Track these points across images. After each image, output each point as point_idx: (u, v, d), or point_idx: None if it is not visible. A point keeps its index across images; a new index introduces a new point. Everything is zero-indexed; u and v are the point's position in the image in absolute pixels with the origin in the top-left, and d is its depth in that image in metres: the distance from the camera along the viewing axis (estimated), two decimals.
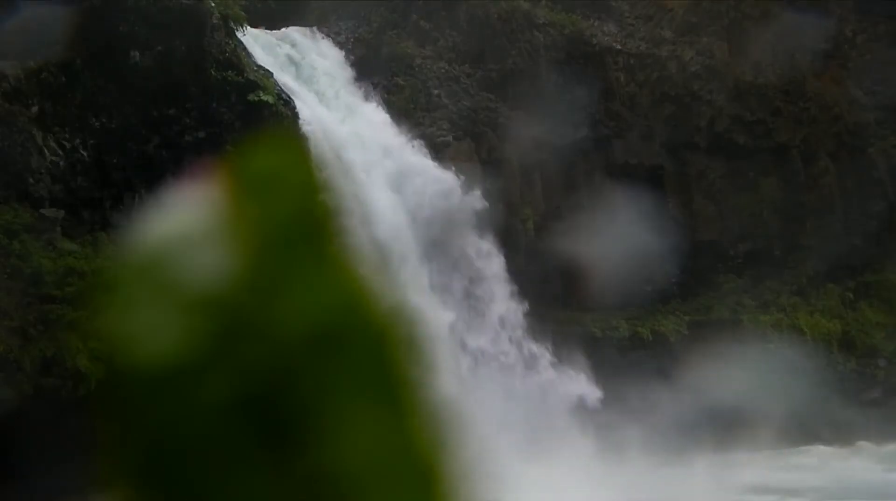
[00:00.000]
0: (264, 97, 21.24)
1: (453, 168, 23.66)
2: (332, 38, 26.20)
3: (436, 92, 25.77)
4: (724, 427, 22.43)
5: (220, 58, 21.31)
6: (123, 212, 19.41)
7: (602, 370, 23.31)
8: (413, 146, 23.84)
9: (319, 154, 20.18)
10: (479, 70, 26.34)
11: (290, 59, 24.62)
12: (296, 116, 21.79)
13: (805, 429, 24.19)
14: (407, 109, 24.87)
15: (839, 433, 24.76)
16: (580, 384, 23.35)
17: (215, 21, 21.41)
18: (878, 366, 26.38)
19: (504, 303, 23.47)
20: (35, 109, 19.31)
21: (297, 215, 0.55)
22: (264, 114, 20.97)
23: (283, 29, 25.77)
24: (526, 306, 23.59)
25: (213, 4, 21.44)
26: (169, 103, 20.64)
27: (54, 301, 17.26)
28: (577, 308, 25.12)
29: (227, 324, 0.52)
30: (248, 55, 22.38)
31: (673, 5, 28.22)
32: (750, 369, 22.99)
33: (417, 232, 22.49)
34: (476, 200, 23.29)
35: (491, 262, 23.49)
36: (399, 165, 23.15)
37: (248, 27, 22.63)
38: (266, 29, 25.07)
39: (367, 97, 24.76)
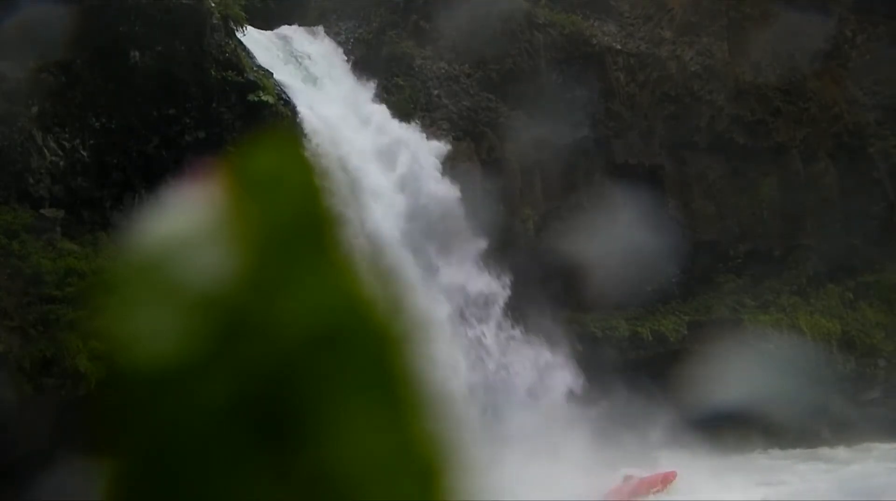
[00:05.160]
0: (264, 97, 21.25)
1: (452, 176, 23.74)
2: (332, 38, 26.23)
3: (436, 92, 25.77)
4: (724, 427, 22.43)
5: (220, 58, 21.31)
6: (123, 212, 19.41)
7: (602, 370, 23.30)
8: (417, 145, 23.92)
9: (319, 153, 20.18)
10: (479, 70, 26.34)
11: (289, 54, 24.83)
12: (296, 116, 21.80)
13: (805, 429, 24.19)
14: (407, 109, 24.87)
15: (839, 433, 24.77)
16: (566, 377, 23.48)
17: (215, 21, 21.42)
18: (878, 366, 26.38)
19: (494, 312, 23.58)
20: (35, 109, 19.31)
21: (297, 215, 0.55)
22: (264, 114, 20.97)
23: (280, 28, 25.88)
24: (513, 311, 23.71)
25: (213, 4, 21.44)
26: (169, 103, 20.64)
27: (54, 301, 17.26)
28: (577, 308, 25.12)
29: (227, 324, 0.52)
30: (249, 55, 22.40)
31: (673, 5, 28.22)
32: (750, 369, 22.99)
33: (416, 232, 22.49)
34: (466, 229, 23.42)
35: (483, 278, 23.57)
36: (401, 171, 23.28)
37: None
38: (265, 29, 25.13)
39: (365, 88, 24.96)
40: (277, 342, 0.52)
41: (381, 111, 24.10)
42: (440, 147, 24.20)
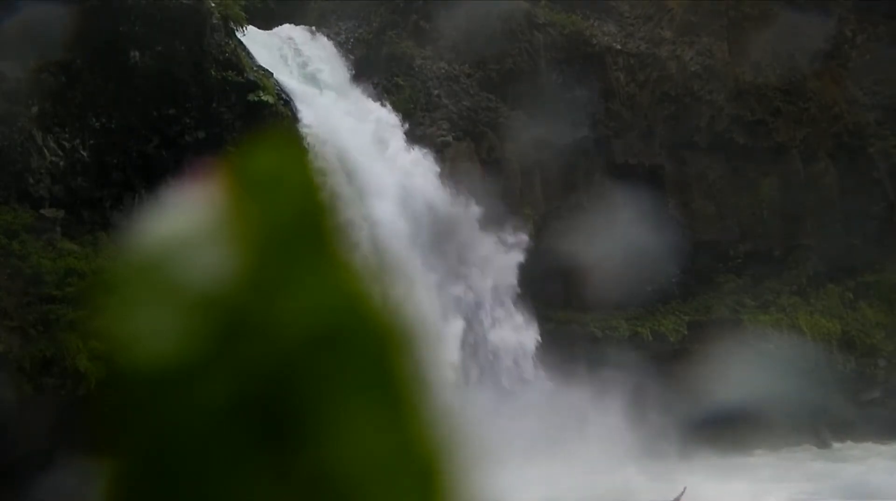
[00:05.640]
0: (264, 97, 21.24)
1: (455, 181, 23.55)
2: (332, 38, 26.22)
3: (436, 92, 25.77)
4: (724, 427, 22.43)
5: (220, 58, 21.31)
6: (123, 212, 19.41)
7: (602, 370, 23.30)
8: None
9: (320, 154, 20.15)
10: (479, 70, 26.34)
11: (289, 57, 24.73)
12: (296, 116, 21.79)
13: (805, 429, 24.20)
14: (407, 109, 24.87)
15: (839, 434, 24.78)
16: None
17: (215, 21, 21.42)
18: (878, 366, 26.38)
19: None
20: (35, 109, 19.31)
21: (297, 216, 0.55)
22: (264, 114, 20.97)
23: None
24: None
25: (213, 4, 21.44)
26: (169, 103, 20.64)
27: (54, 301, 17.26)
28: (577, 308, 25.12)
29: (227, 324, 0.52)
30: (249, 55, 22.38)
31: (673, 5, 28.22)
32: (750, 369, 22.99)
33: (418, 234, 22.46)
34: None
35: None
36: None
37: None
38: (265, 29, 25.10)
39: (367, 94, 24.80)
40: (277, 342, 0.52)
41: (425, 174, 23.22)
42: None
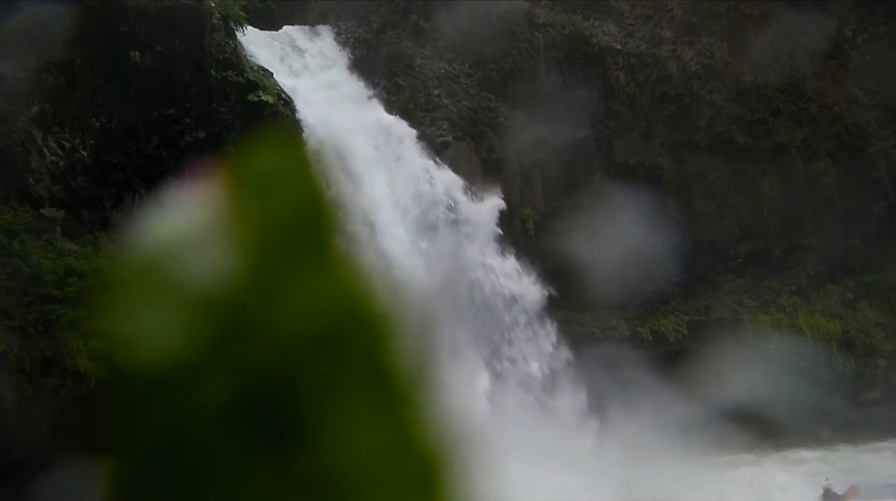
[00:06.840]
0: (264, 97, 21.24)
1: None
2: (332, 38, 26.22)
3: (436, 92, 25.76)
4: (724, 427, 22.41)
5: (220, 58, 21.30)
6: (123, 212, 19.41)
7: (602, 370, 23.29)
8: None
9: (320, 153, 20.14)
10: (479, 70, 26.34)
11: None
12: (295, 116, 21.77)
13: (805, 429, 24.19)
14: (407, 109, 24.86)
15: (839, 433, 24.77)
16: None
17: (215, 21, 21.41)
18: (878, 366, 26.39)
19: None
20: (35, 109, 19.30)
21: (297, 216, 0.54)
22: (264, 114, 20.96)
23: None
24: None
25: (213, 4, 21.43)
26: (169, 103, 20.63)
27: (54, 301, 17.26)
28: (577, 308, 25.12)
29: (227, 324, 0.52)
30: (249, 55, 22.38)
31: (673, 5, 28.22)
32: (750, 369, 22.99)
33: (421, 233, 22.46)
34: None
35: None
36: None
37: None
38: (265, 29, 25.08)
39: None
40: (277, 342, 0.52)
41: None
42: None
